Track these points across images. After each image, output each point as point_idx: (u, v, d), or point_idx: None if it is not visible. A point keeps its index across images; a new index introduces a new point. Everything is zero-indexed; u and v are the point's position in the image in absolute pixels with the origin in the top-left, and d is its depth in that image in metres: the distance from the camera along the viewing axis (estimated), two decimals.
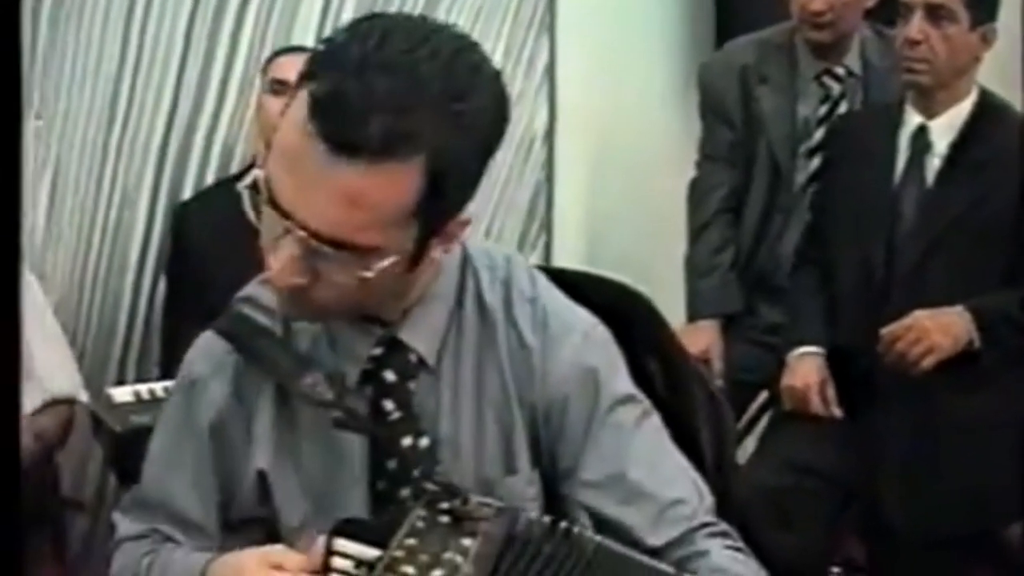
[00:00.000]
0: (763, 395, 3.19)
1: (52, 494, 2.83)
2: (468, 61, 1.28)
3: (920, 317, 2.64)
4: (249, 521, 1.47)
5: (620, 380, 1.48)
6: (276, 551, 1.37)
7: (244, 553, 1.39)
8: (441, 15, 3.51)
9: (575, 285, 1.55)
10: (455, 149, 1.26)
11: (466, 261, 1.48)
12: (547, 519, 1.33)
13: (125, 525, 1.54)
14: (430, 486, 1.35)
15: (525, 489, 1.45)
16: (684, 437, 1.52)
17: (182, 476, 1.50)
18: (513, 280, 1.48)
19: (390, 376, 1.44)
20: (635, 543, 1.39)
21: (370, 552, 1.24)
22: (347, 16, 3.29)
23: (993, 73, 2.86)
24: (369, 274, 1.27)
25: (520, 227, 3.89)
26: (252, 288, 1.48)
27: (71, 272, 3.19)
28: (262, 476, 1.46)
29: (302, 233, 1.26)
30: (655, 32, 3.96)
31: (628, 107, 3.88)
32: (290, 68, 2.73)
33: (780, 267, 3.17)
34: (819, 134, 3.13)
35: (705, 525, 1.43)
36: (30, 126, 3.04)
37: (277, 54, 3.12)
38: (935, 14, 2.67)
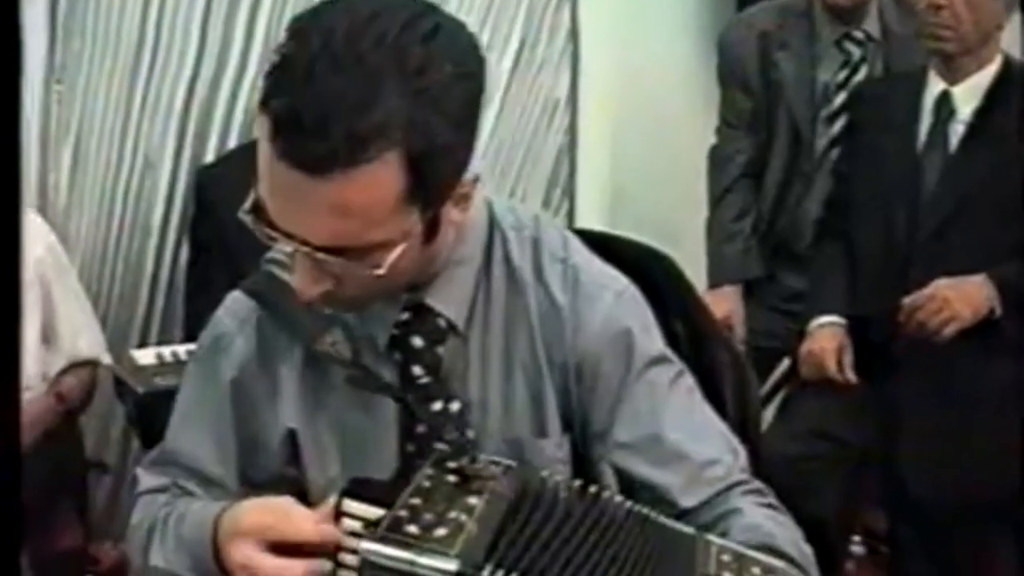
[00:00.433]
0: (784, 362, 3.19)
1: (76, 455, 2.85)
2: (419, 32, 1.21)
3: (942, 286, 2.63)
4: (276, 480, 1.47)
5: (653, 340, 1.47)
6: (281, 501, 1.34)
7: (250, 501, 1.37)
8: None
9: (600, 246, 1.53)
10: (429, 127, 1.20)
11: (493, 223, 1.47)
12: (560, 478, 1.32)
13: (146, 479, 1.54)
14: (439, 445, 1.34)
15: (555, 452, 1.44)
16: (709, 400, 1.51)
17: (201, 431, 1.50)
18: (543, 240, 1.47)
19: (418, 342, 1.43)
20: (670, 504, 1.39)
21: (376, 512, 1.22)
22: None
23: None
24: (382, 270, 1.25)
25: (542, 192, 3.89)
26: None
27: (94, 236, 3.20)
28: (291, 435, 1.46)
29: (305, 249, 1.24)
30: None
31: (650, 73, 3.87)
32: None
33: (801, 233, 3.17)
34: (839, 99, 3.12)
35: (739, 484, 1.42)
36: (52, 91, 3.05)
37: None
38: None
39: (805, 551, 1.39)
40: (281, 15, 3.27)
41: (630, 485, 1.41)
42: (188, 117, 3.25)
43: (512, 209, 1.50)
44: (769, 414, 3.07)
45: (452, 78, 1.22)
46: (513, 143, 3.73)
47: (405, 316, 1.43)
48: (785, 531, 1.39)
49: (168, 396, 2.65)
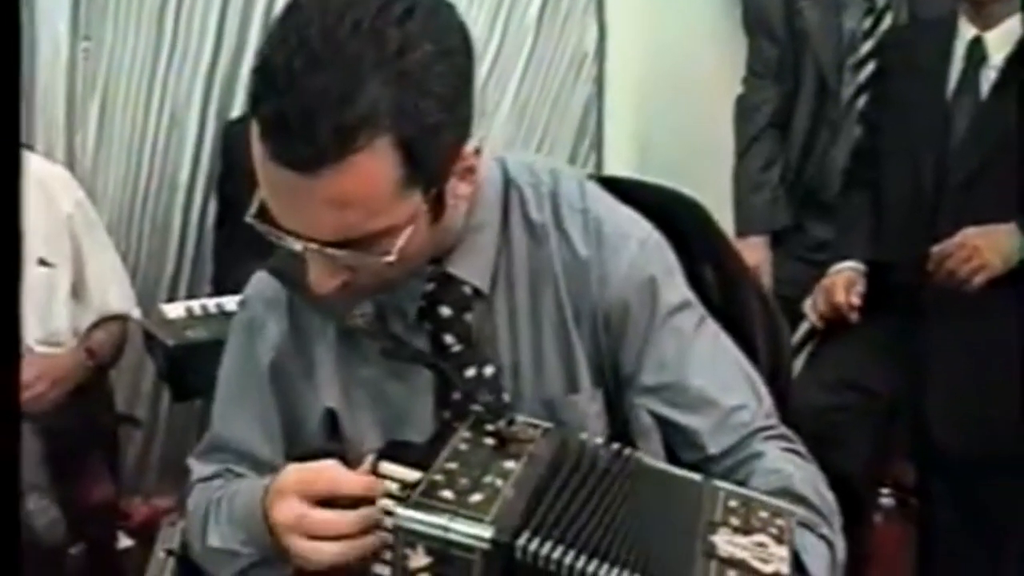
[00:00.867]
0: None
1: (106, 410, 2.88)
2: (394, 15, 1.19)
3: (971, 234, 2.61)
4: (319, 456, 1.47)
5: (677, 287, 1.47)
6: (320, 462, 1.33)
7: (290, 466, 1.36)
8: None
9: (629, 192, 1.53)
10: (416, 109, 1.19)
11: (508, 182, 1.46)
12: (599, 440, 1.32)
13: (198, 468, 1.56)
14: (476, 407, 1.34)
15: (588, 406, 1.45)
16: (741, 347, 1.51)
17: (247, 415, 1.52)
18: (561, 192, 1.46)
19: (446, 311, 1.43)
20: (700, 448, 1.40)
21: (413, 475, 1.22)
22: None
23: None
24: (392, 257, 1.25)
25: (571, 144, 3.88)
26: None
27: (122, 192, 3.22)
28: (330, 412, 1.47)
29: (313, 246, 1.24)
30: None
31: (676, 24, 3.84)
32: None
33: (828, 182, 3.15)
34: (866, 47, 3.09)
35: (763, 429, 1.43)
36: (79, 48, 3.06)
37: None
38: None
39: (825, 495, 1.39)
40: None
41: (665, 430, 1.42)
42: (214, 73, 3.25)
43: (527, 165, 1.49)
44: (797, 365, 3.06)
45: (433, 56, 1.20)
46: (540, 96, 3.73)
47: (431, 287, 1.43)
48: (804, 474, 1.40)
49: (197, 349, 2.66)
